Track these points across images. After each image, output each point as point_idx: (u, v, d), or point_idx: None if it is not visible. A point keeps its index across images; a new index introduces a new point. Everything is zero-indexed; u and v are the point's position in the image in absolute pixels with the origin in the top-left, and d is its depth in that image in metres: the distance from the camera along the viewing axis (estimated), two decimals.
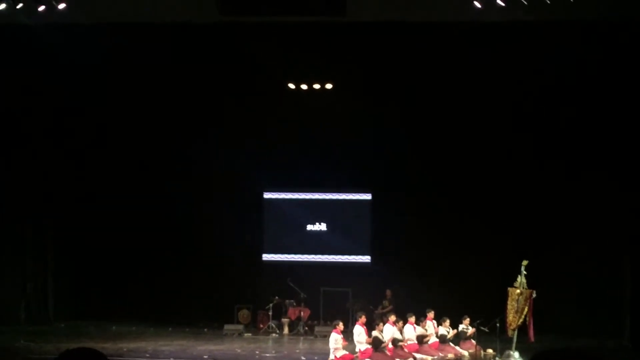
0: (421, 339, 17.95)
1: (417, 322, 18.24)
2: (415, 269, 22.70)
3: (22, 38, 19.09)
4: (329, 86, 22.67)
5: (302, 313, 22.47)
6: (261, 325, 22.50)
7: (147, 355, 16.50)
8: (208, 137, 23.46)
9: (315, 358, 16.76)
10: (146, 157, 23.57)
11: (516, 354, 16.24)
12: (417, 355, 17.07)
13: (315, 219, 24.75)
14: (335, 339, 16.49)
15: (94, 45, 19.38)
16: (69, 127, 22.97)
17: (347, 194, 24.85)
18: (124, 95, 22.30)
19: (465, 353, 17.85)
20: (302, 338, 21.40)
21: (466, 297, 20.93)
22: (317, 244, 24.65)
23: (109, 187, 23.71)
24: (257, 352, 17.74)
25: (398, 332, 17.39)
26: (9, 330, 19.72)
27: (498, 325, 16.46)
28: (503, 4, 16.58)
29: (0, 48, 19.73)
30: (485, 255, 21.92)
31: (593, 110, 20.67)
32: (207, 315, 22.84)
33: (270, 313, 22.38)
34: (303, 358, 16.86)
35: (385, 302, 22.16)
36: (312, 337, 21.23)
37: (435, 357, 17.47)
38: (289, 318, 22.50)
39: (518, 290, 16.27)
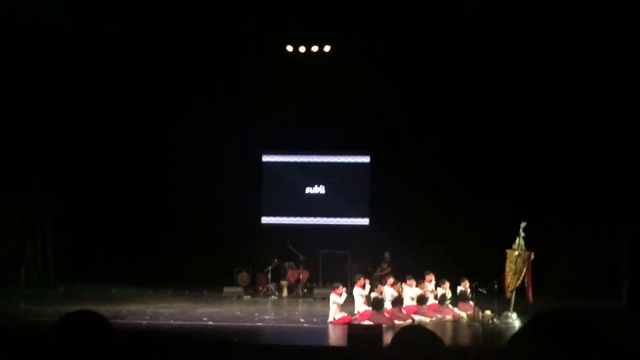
0: (420, 301, 18.03)
1: (416, 284, 18.31)
2: (413, 231, 22.77)
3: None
4: (327, 48, 22.56)
5: (301, 275, 22.57)
6: (260, 288, 22.59)
7: (147, 317, 16.55)
8: (206, 100, 23.39)
9: (315, 320, 16.82)
10: (144, 120, 23.47)
11: (514, 316, 16.31)
12: (416, 317, 17.15)
13: (314, 182, 24.80)
14: (334, 301, 16.58)
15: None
16: (69, 91, 22.85)
17: (345, 157, 24.88)
18: (120, 57, 22.14)
19: (464, 315, 17.93)
20: (301, 300, 21.48)
21: (464, 259, 20.99)
22: (315, 206, 24.73)
23: (108, 151, 23.68)
24: (256, 314, 17.80)
25: (397, 294, 17.48)
26: (10, 294, 19.77)
27: (496, 287, 16.50)
28: None
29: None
30: (484, 217, 21.95)
31: (592, 75, 20.57)
32: (207, 278, 22.86)
33: (269, 276, 22.49)
34: (302, 320, 16.92)
35: (384, 264, 22.26)
36: (311, 299, 21.33)
37: (434, 318, 17.53)
38: (288, 280, 22.60)
39: (516, 252, 16.30)
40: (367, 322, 15.56)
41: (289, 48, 22.57)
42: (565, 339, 2.24)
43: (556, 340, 2.25)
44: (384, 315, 16.42)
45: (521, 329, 2.40)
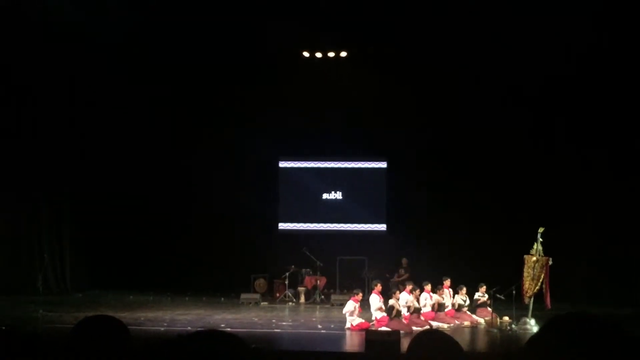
0: (437, 307, 17.97)
1: (434, 290, 18.24)
2: (431, 236, 22.73)
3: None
4: (343, 54, 22.54)
5: (318, 282, 22.54)
6: (277, 294, 22.59)
7: (165, 324, 16.55)
8: (223, 106, 23.48)
9: (332, 326, 16.77)
10: (162, 127, 23.56)
11: (532, 321, 16.20)
12: (434, 323, 17.05)
13: (331, 188, 24.79)
14: (352, 307, 16.54)
15: (110, 20, 19.33)
16: (86, 99, 22.95)
17: (362, 162, 24.86)
18: (140, 65, 22.22)
19: (482, 320, 17.83)
20: (318, 306, 21.45)
21: (482, 264, 20.95)
22: (332, 212, 24.71)
23: (126, 158, 23.78)
24: (273, 320, 17.78)
25: (414, 300, 17.42)
26: (27, 301, 19.84)
27: (514, 292, 16.42)
28: None
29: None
30: (502, 223, 21.91)
31: (611, 81, 20.46)
32: (224, 285, 22.91)
33: (287, 282, 22.47)
34: (319, 326, 16.88)
35: (401, 271, 22.21)
36: (328, 306, 21.27)
37: (452, 324, 17.46)
38: (305, 287, 22.58)
39: (534, 258, 16.21)
40: (384, 329, 15.50)
41: (306, 54, 22.55)
42: (583, 341, 2.23)
43: (575, 341, 2.23)
44: (401, 321, 16.36)
45: (539, 331, 2.38)
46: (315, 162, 25.08)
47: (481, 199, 22.68)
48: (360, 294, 17.01)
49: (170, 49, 21.66)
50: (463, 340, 15.10)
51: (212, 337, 2.56)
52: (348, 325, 16.39)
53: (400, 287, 18.29)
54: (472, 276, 19.48)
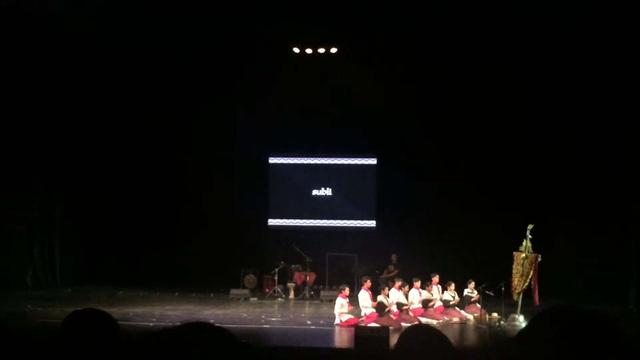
0: (426, 303, 18.00)
1: (423, 287, 18.28)
2: (420, 233, 22.76)
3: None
4: (333, 50, 22.51)
5: (307, 277, 22.56)
6: (267, 290, 22.59)
7: (154, 319, 16.54)
8: (213, 102, 23.42)
9: (321, 322, 16.79)
10: (151, 122, 23.47)
11: (521, 318, 16.24)
12: (423, 319, 17.08)
13: (321, 184, 24.80)
14: (341, 304, 16.55)
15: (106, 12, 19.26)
16: (79, 93, 22.85)
17: (352, 159, 24.89)
18: (131, 60, 22.12)
19: (471, 317, 17.88)
20: (307, 302, 21.48)
21: (471, 261, 20.98)
22: (322, 208, 24.73)
23: (115, 153, 23.71)
24: (263, 316, 17.78)
25: (403, 297, 17.46)
26: (16, 296, 19.80)
27: (503, 289, 16.47)
28: None
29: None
30: (491, 219, 21.93)
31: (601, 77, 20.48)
32: (213, 280, 22.88)
33: (276, 278, 22.48)
34: (309, 322, 16.90)
35: (391, 267, 22.22)
36: (317, 302, 21.31)
37: (441, 321, 17.49)
38: (295, 282, 22.60)
39: (523, 254, 16.24)
40: (373, 325, 15.52)
41: (296, 50, 22.51)
42: (572, 334, 2.23)
43: (563, 335, 2.23)
44: (390, 317, 16.39)
45: (528, 325, 2.38)
46: (306, 159, 25.09)
47: (470, 195, 22.71)
48: (347, 289, 17.03)
49: (160, 46, 21.56)
50: (452, 337, 15.11)
51: (199, 329, 2.56)
52: (337, 321, 16.41)
53: (390, 283, 18.34)
54: (461, 272, 19.52)
